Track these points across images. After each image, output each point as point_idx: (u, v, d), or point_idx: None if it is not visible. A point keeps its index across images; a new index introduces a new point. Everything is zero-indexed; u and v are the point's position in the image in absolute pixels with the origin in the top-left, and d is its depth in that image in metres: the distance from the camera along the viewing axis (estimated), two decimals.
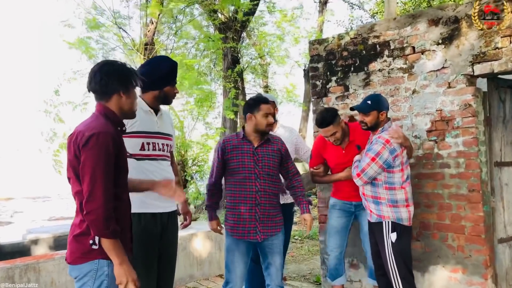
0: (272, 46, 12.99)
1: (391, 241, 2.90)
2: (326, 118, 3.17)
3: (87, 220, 1.73)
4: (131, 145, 2.32)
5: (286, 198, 3.57)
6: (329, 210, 3.55)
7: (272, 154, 2.93)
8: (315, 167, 3.47)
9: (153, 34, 7.49)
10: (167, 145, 2.56)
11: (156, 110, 2.54)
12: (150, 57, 7.21)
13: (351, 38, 3.85)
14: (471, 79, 3.24)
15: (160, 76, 2.48)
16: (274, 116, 3.23)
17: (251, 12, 8.96)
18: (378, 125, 3.00)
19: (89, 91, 1.97)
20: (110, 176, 1.77)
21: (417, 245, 3.44)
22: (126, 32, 7.41)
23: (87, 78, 1.98)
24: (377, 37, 3.67)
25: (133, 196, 2.11)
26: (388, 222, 2.91)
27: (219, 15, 8.79)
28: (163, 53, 7.90)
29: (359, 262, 3.81)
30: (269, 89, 17.16)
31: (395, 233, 2.89)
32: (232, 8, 8.66)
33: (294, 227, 7.77)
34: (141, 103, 2.42)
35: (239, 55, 9.18)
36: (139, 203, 2.29)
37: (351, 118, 3.72)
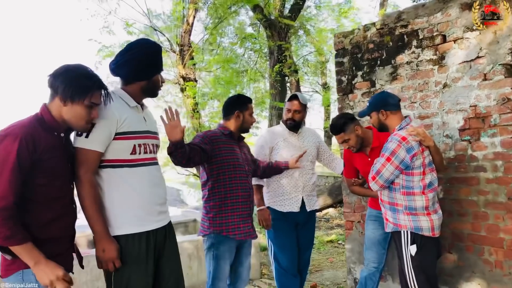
0: (330, 45, 12.59)
1: (410, 255, 2.56)
2: (336, 125, 3.01)
3: None
4: (120, 149, 2.02)
5: (312, 205, 3.37)
6: (365, 221, 3.28)
7: (247, 152, 2.99)
8: (354, 179, 3.23)
9: (190, 35, 7.51)
10: (156, 145, 2.26)
11: (141, 105, 2.19)
12: (186, 58, 7.21)
13: (377, 29, 3.52)
14: (511, 69, 2.80)
15: (148, 63, 2.12)
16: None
17: (297, 9, 8.68)
18: (385, 125, 2.70)
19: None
20: (13, 181, 1.61)
21: (449, 258, 3.05)
22: (162, 33, 7.47)
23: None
24: (405, 26, 3.31)
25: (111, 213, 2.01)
26: (406, 232, 2.58)
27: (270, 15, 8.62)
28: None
29: (387, 275, 3.47)
30: (328, 87, 16.77)
31: (414, 246, 2.55)
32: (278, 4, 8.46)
33: (340, 231, 7.44)
34: (125, 97, 2.10)
35: (285, 52, 8.92)
36: (119, 223, 2.02)
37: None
